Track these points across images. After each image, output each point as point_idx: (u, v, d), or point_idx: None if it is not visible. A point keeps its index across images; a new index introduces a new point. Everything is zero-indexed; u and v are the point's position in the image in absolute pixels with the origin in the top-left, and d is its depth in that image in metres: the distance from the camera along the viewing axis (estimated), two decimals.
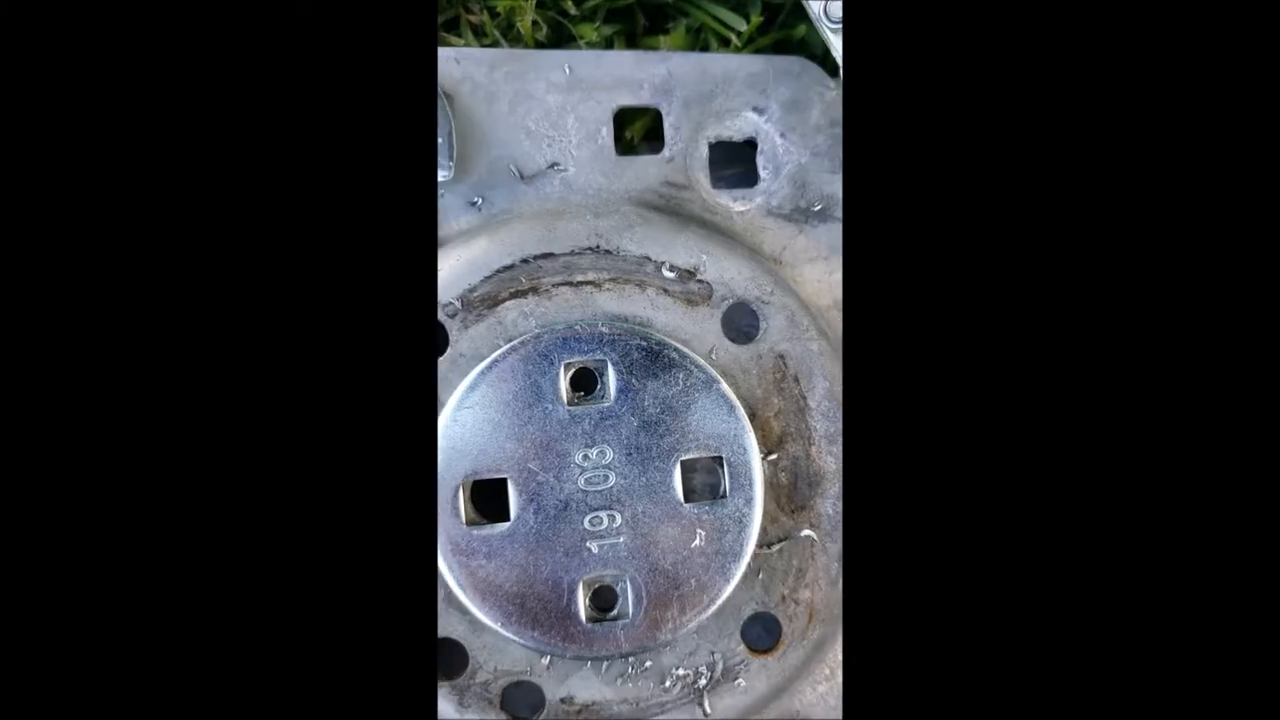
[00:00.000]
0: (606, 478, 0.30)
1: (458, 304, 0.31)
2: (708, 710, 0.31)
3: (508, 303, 0.31)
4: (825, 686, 0.32)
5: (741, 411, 0.30)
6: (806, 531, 0.31)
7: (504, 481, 0.30)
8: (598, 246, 0.31)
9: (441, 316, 0.31)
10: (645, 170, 0.33)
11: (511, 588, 0.30)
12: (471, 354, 0.31)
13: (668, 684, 0.31)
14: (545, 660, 0.31)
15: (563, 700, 0.31)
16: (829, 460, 0.31)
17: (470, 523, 0.30)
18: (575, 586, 0.30)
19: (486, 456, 0.30)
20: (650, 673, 0.31)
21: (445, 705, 0.31)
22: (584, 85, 0.33)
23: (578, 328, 0.30)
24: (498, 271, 0.31)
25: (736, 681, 0.31)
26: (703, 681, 0.31)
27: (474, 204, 0.33)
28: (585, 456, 0.30)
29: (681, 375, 0.30)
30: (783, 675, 0.31)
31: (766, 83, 0.32)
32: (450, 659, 0.31)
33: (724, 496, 0.30)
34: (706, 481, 0.31)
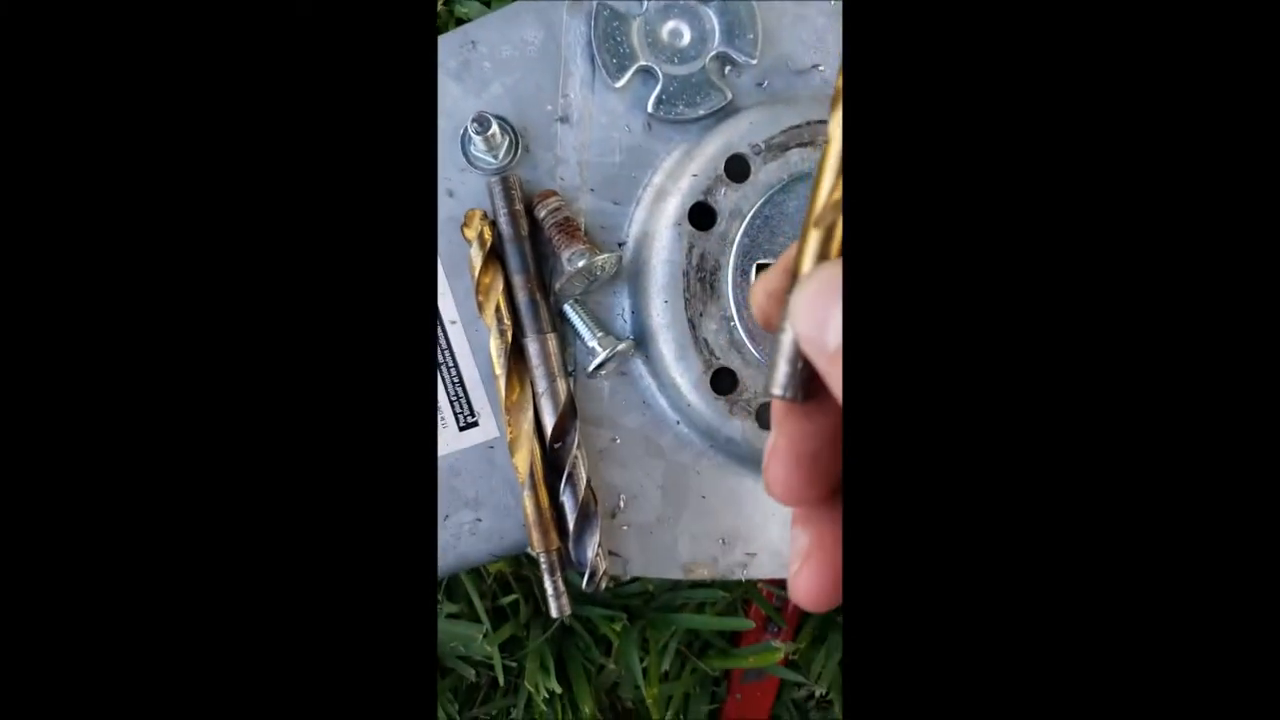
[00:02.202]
0: None
1: (761, 145, 0.46)
2: None
3: (793, 149, 0.46)
4: None
5: None
6: None
7: None
8: None
9: (748, 152, 0.46)
10: None
11: None
12: (766, 182, 0.46)
13: None
14: None
15: None
16: None
17: None
18: None
19: (773, 247, 0.45)
20: None
21: (718, 413, 0.46)
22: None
23: None
24: (790, 128, 0.46)
25: None
26: None
27: (760, 84, 0.48)
28: None
29: None
30: None
31: None
32: (728, 382, 0.46)
33: None
34: None
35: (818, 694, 0.59)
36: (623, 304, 0.47)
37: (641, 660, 0.58)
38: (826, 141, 0.24)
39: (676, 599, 0.58)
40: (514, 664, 0.56)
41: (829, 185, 0.24)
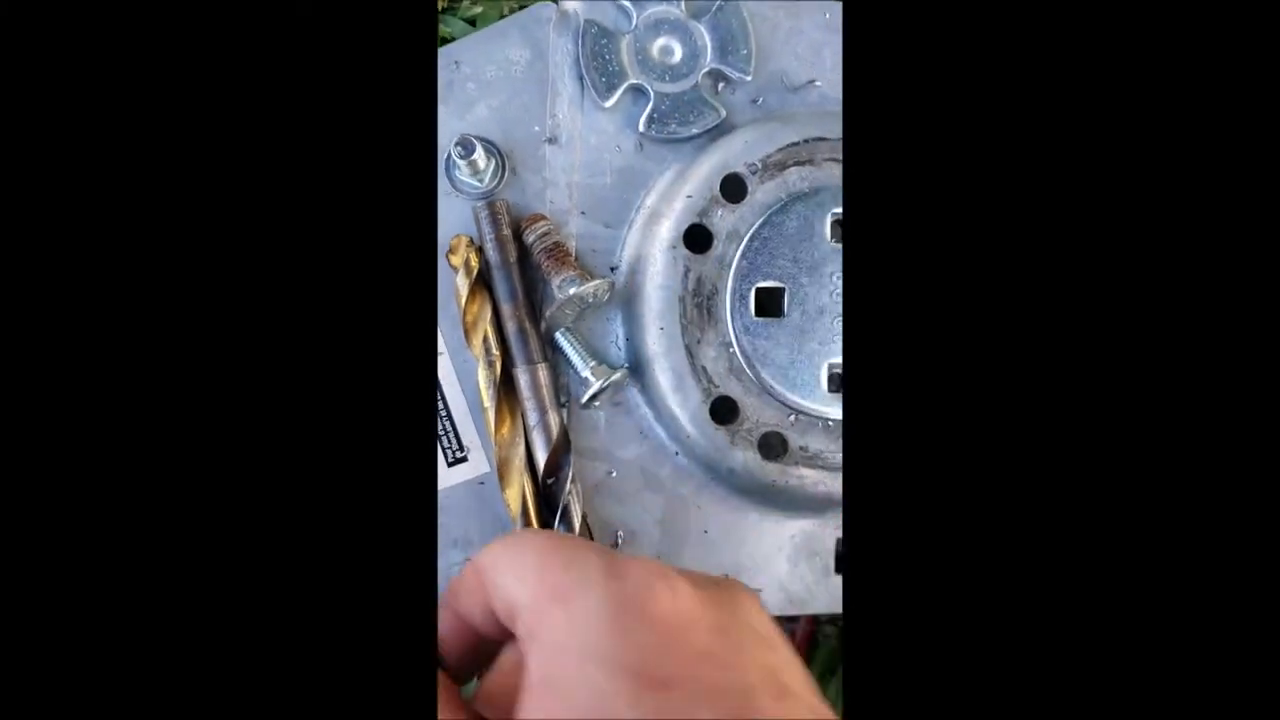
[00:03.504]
0: None
1: (758, 165, 0.44)
2: None
3: (791, 168, 0.44)
4: None
5: None
6: None
7: (782, 290, 0.44)
8: None
9: (744, 172, 0.44)
10: None
11: (780, 361, 0.43)
12: (763, 202, 0.44)
13: None
14: (792, 418, 0.44)
15: (801, 448, 0.44)
16: None
17: (757, 315, 0.43)
18: (821, 366, 0.44)
19: (772, 270, 0.44)
20: None
21: (718, 444, 0.44)
22: (837, 27, 0.47)
23: (839, 188, 0.44)
24: (787, 146, 0.44)
25: None
26: None
27: (754, 101, 0.46)
28: (838, 279, 0.44)
29: None
30: None
31: None
32: (728, 411, 0.44)
33: None
34: None
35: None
36: (617, 331, 0.45)
37: None
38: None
39: None
40: None
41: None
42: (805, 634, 0.60)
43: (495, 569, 0.27)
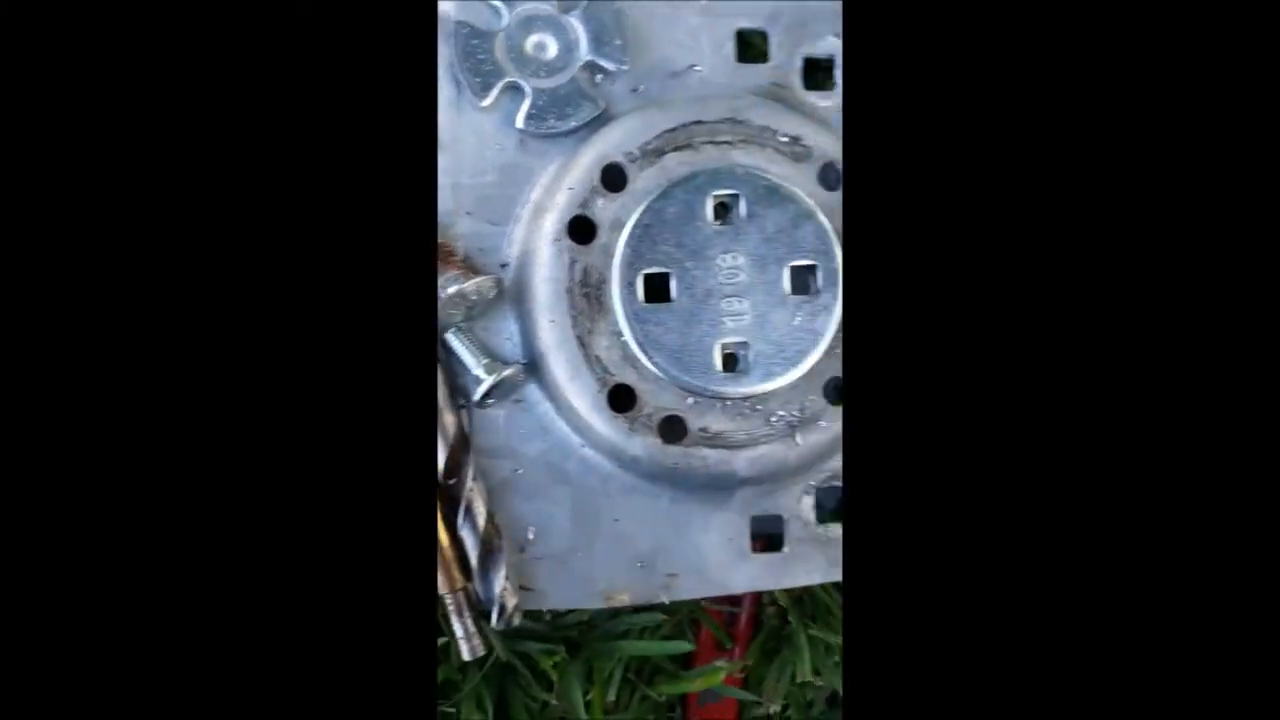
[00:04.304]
0: (739, 275, 0.44)
1: (637, 153, 0.44)
2: (798, 441, 0.45)
3: (670, 154, 0.44)
4: None
5: (831, 233, 0.45)
6: None
7: (668, 275, 0.44)
8: (733, 118, 0.45)
9: (623, 161, 0.44)
10: (758, 74, 0.47)
11: (671, 346, 0.44)
12: (644, 189, 0.44)
13: (772, 420, 0.45)
14: (690, 400, 0.44)
15: (700, 430, 0.44)
16: None
17: (646, 302, 0.44)
18: (713, 348, 0.44)
19: (657, 256, 0.44)
20: (760, 413, 0.45)
21: (619, 432, 0.44)
22: (714, 12, 0.47)
23: (720, 170, 0.44)
24: (664, 132, 0.44)
25: (820, 422, 0.45)
26: (795, 421, 0.45)
27: (635, 90, 0.46)
28: (723, 260, 0.44)
29: (791, 207, 0.44)
30: None
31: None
32: (625, 398, 0.44)
33: (817, 293, 0.45)
34: (805, 281, 0.45)
35: (773, 710, 0.56)
36: (510, 329, 0.45)
37: (586, 693, 0.55)
38: None
39: (618, 626, 0.56)
40: (450, 709, 0.53)
41: None
42: (750, 616, 0.60)
43: None
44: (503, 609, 0.43)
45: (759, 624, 0.60)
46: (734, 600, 0.60)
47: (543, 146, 0.46)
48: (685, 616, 0.58)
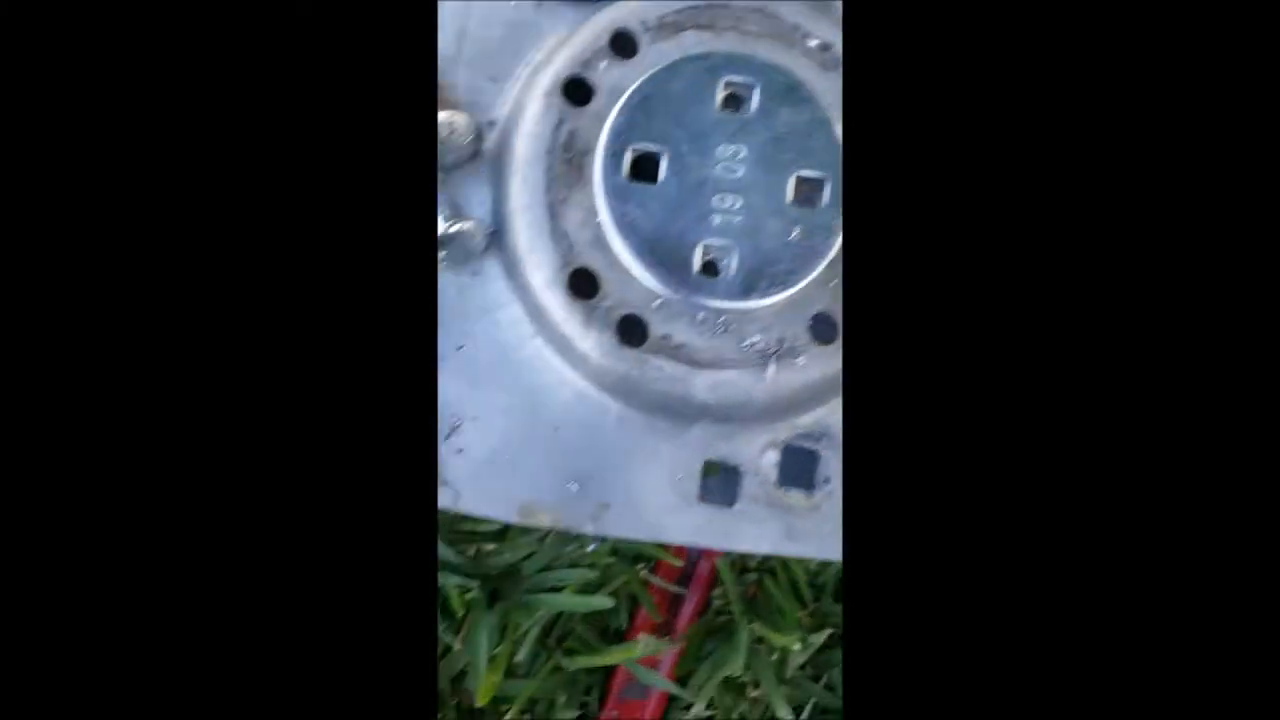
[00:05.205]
0: (737, 170, 0.39)
1: (654, 22, 0.40)
2: (769, 374, 0.40)
3: (689, 30, 0.40)
4: None
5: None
6: None
7: (659, 154, 0.39)
8: (763, 9, 0.41)
9: (637, 28, 0.40)
10: None
11: (648, 233, 0.39)
12: (654, 61, 0.40)
13: (743, 346, 0.40)
14: (656, 303, 0.39)
15: (662, 337, 0.39)
16: None
17: (631, 179, 0.39)
18: (695, 245, 0.39)
19: (651, 132, 0.39)
20: (732, 334, 0.40)
21: (574, 322, 0.39)
22: None
23: (737, 55, 0.40)
24: (687, 7, 0.41)
25: (797, 359, 0.40)
26: (770, 351, 0.40)
27: None
28: (724, 150, 0.39)
29: (808, 111, 0.40)
30: (833, 370, 0.40)
31: None
32: (587, 284, 0.39)
33: (822, 207, 0.40)
34: (811, 198, 0.40)
35: (697, 710, 0.50)
36: (484, 194, 0.41)
37: (495, 647, 0.49)
38: None
39: (546, 580, 0.51)
40: None
41: None
42: (698, 604, 0.54)
43: None
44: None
45: (704, 612, 0.54)
46: (683, 580, 0.53)
47: (562, 10, 0.42)
48: (622, 589, 0.52)
